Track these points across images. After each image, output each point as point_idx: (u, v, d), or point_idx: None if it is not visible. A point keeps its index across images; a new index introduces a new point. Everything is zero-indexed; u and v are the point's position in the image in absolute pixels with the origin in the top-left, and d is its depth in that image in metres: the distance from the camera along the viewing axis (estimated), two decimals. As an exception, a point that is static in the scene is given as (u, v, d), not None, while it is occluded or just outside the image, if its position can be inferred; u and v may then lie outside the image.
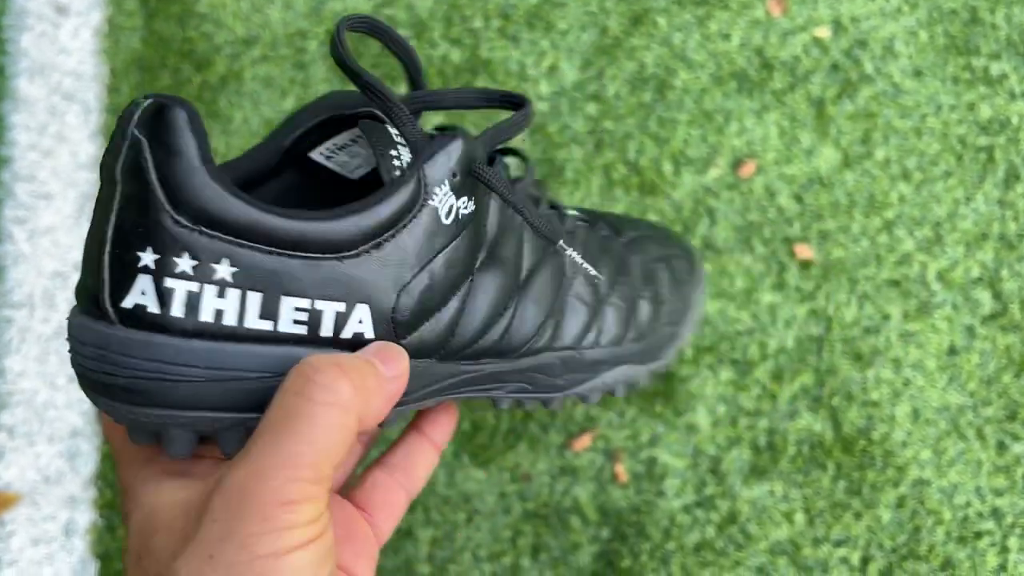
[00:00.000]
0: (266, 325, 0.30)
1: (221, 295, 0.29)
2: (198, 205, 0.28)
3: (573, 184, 1.00)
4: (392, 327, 0.34)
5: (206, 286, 0.29)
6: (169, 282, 0.29)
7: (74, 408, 0.97)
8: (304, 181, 0.39)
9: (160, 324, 0.29)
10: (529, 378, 0.43)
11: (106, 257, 0.29)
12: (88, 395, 0.31)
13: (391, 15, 1.06)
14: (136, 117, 0.29)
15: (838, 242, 0.97)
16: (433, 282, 0.35)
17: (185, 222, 0.28)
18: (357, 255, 0.31)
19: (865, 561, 0.90)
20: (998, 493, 0.91)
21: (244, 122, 1.04)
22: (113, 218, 0.29)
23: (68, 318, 0.31)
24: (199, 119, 0.29)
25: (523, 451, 0.93)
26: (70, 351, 0.31)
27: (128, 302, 0.29)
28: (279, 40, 1.06)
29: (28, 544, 0.94)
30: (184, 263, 0.28)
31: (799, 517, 0.91)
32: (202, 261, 0.29)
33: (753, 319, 0.96)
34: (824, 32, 1.04)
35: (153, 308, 0.29)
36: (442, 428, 0.44)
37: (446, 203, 0.34)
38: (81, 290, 0.31)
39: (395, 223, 0.32)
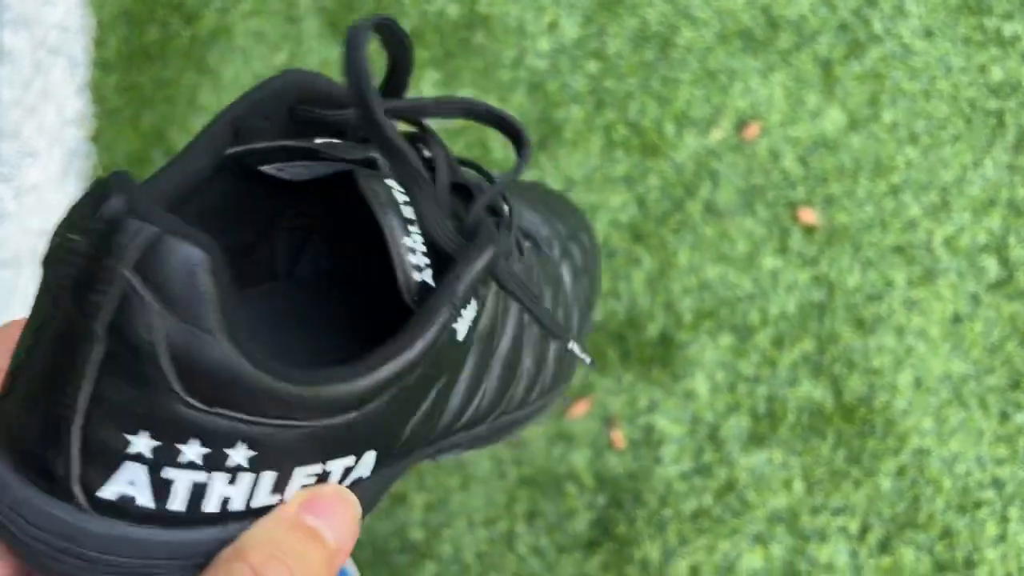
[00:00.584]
0: (274, 499, 0.25)
1: (232, 482, 0.23)
2: (219, 384, 0.22)
3: (572, 145, 0.97)
4: (397, 455, 0.29)
5: (215, 475, 0.23)
6: (170, 472, 0.22)
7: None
8: (230, 184, 0.31)
9: (153, 517, 0.23)
10: (494, 436, 0.38)
11: (74, 431, 0.22)
12: None
13: (386, -32, 1.02)
14: (126, 247, 0.20)
15: (842, 207, 0.95)
16: (437, 401, 0.29)
17: (198, 404, 0.22)
18: (376, 405, 0.25)
19: (864, 530, 0.89)
20: (999, 463, 0.90)
21: (235, 78, 1.01)
22: (88, 385, 0.21)
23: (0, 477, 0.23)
24: (218, 254, 0.21)
25: (519, 416, 0.92)
26: (5, 522, 0.23)
27: (109, 492, 0.22)
28: (271, -7, 1.03)
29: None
30: (191, 451, 0.22)
31: (798, 485, 0.90)
32: (215, 448, 0.22)
33: (754, 284, 0.94)
34: (833, -10, 1.01)
35: (145, 502, 0.23)
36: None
37: (464, 320, 0.27)
38: (21, 452, 0.23)
39: (419, 362, 0.26)
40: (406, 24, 1.01)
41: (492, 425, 0.37)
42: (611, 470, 0.90)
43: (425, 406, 0.28)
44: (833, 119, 0.97)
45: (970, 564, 0.88)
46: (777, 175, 0.96)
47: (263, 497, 0.25)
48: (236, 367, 0.21)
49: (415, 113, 0.29)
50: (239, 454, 0.23)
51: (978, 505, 0.89)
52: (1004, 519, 0.89)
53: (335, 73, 0.29)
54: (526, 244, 0.38)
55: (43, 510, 0.22)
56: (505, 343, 0.33)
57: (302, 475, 0.25)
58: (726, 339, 0.93)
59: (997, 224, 0.94)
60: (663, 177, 0.96)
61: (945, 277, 0.93)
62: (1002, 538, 0.89)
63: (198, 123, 1.00)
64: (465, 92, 0.99)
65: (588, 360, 0.36)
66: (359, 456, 0.26)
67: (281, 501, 0.25)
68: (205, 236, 0.21)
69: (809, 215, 0.95)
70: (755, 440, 0.91)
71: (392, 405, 0.26)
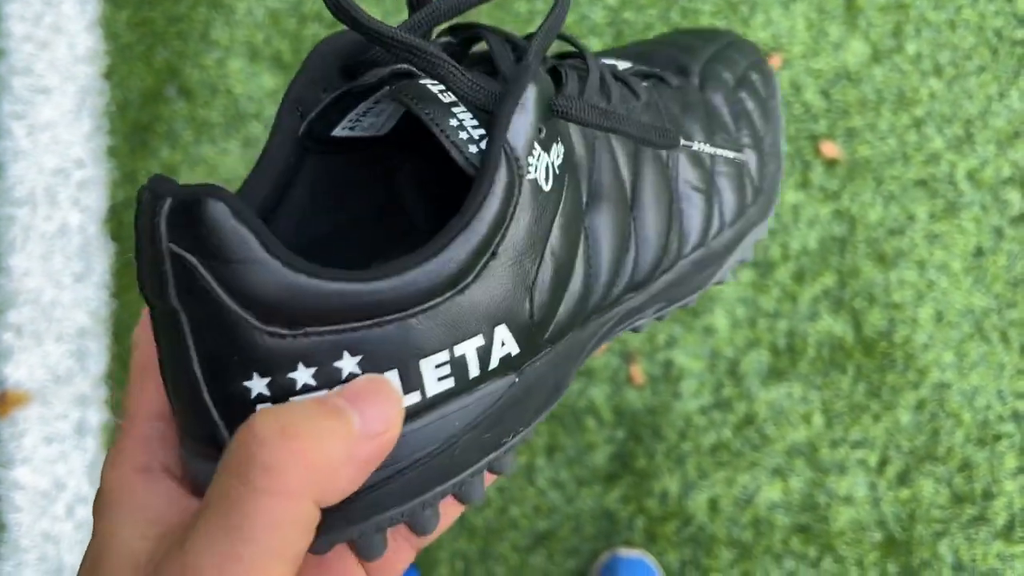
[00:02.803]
0: (414, 398, 0.26)
1: None
2: (290, 309, 0.23)
3: (591, 79, 0.96)
4: (534, 331, 0.28)
5: (336, 389, 0.24)
6: (295, 401, 0.24)
7: (81, 307, 0.95)
8: (327, 162, 0.32)
9: None
10: (666, 296, 0.37)
11: (206, 397, 0.24)
12: None
13: (400, -101, 1.00)
14: (163, 229, 0.22)
15: (865, 140, 0.94)
16: (557, 263, 0.29)
17: (283, 331, 0.23)
18: (476, 277, 0.25)
19: (883, 462, 0.89)
20: (1020, 396, 0.90)
21: (248, 13, 0.99)
22: (193, 352, 0.23)
23: (187, 462, 0.26)
24: (239, 203, 0.22)
25: (538, 352, 0.92)
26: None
27: None
28: (282, -74, 1.01)
29: (40, 442, 0.93)
30: (302, 375, 0.23)
31: (817, 419, 0.90)
32: (321, 366, 0.23)
33: (775, 219, 0.93)
34: (857, -82, 0.98)
35: None
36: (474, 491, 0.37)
37: (541, 166, 0.27)
38: (190, 434, 0.26)
39: (501, 222, 0.26)
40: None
41: (683, 269, 0.36)
42: (630, 405, 0.90)
43: (542, 271, 0.28)
44: (856, 51, 0.95)
45: (988, 496, 0.88)
46: (799, 108, 0.94)
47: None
48: (294, 283, 0.22)
49: (448, 11, 0.29)
50: (347, 362, 0.24)
51: (997, 438, 0.89)
52: (1023, 452, 0.89)
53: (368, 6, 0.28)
54: (643, 84, 0.37)
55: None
56: (628, 188, 0.33)
57: (430, 366, 0.25)
58: (747, 275, 0.92)
59: (1022, 156, 0.93)
60: (683, 111, 0.95)
61: (968, 211, 0.92)
62: (1021, 470, 0.89)
63: (211, 58, 0.99)
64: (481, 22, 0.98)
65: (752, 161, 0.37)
66: (487, 334, 0.26)
67: (423, 396, 0.26)
68: (217, 188, 0.22)
69: (831, 149, 0.94)
70: (775, 375, 0.91)
71: (495, 278, 0.26)
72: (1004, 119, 0.94)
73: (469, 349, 0.26)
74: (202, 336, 0.23)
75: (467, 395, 0.27)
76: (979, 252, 0.92)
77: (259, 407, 0.23)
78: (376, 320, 0.24)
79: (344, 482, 0.24)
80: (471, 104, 0.27)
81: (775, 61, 0.95)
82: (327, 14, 0.99)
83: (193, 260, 0.22)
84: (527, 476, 0.89)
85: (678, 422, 0.90)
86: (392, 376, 0.25)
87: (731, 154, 0.37)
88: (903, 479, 0.89)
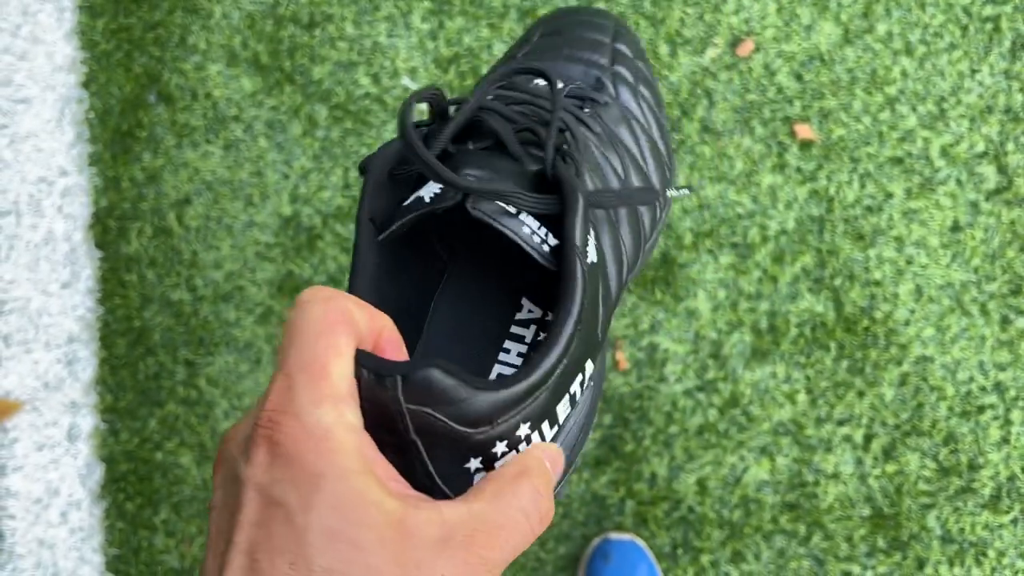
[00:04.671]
0: (554, 430, 0.36)
1: (528, 441, 0.34)
2: (490, 415, 0.32)
3: (566, 69, 0.97)
4: (599, 351, 0.38)
5: (520, 446, 0.33)
6: (498, 464, 0.33)
7: (69, 314, 0.96)
8: (388, 246, 0.41)
9: None
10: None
11: (438, 482, 0.33)
12: None
13: (371, -101, 1.01)
14: (402, 395, 0.30)
15: (839, 120, 0.95)
16: (606, 298, 0.38)
17: (486, 430, 0.32)
18: (572, 342, 0.34)
19: (868, 438, 0.90)
20: (1001, 368, 0.90)
21: (225, 16, 1.00)
22: (428, 462, 0.32)
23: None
24: (449, 367, 0.31)
25: (523, 342, 0.93)
26: None
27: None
28: (256, -70, 1.02)
29: (32, 450, 0.94)
30: (500, 448, 0.33)
31: (801, 397, 0.91)
32: (510, 439, 0.33)
33: (753, 202, 0.94)
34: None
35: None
36: None
37: (591, 248, 0.36)
38: None
39: (583, 300, 0.35)
40: (394, -45, 1.00)
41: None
42: (616, 390, 0.91)
43: (602, 313, 0.37)
44: (827, 32, 0.96)
45: (974, 467, 0.89)
46: (773, 91, 0.95)
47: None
48: (489, 399, 0.32)
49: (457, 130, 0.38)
50: (523, 430, 0.33)
51: (981, 410, 0.90)
52: (1007, 422, 0.90)
53: None
54: (584, 111, 0.45)
55: None
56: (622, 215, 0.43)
57: (563, 407, 0.35)
58: (727, 257, 0.93)
59: (995, 131, 0.94)
60: (658, 98, 0.96)
61: (944, 186, 0.93)
62: (1005, 440, 0.89)
63: (190, 63, 1.00)
64: (456, 21, 0.98)
65: (689, 191, 0.49)
66: (583, 371, 0.36)
67: (558, 429, 0.36)
68: (433, 360, 0.31)
69: (806, 130, 0.94)
70: (758, 355, 0.91)
71: (580, 334, 0.35)
72: (976, 95, 0.95)
73: (575, 386, 0.36)
74: (434, 451, 0.32)
75: (576, 409, 0.37)
76: (956, 227, 0.93)
77: (475, 477, 0.33)
78: (533, 396, 0.33)
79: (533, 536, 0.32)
80: (534, 213, 0.36)
81: (748, 46, 0.96)
82: (303, 15, 0.99)
83: (426, 411, 0.31)
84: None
85: (664, 405, 0.91)
86: (546, 426, 0.35)
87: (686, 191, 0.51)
88: (889, 454, 0.90)
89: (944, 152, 0.94)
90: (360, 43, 0.99)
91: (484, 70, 0.97)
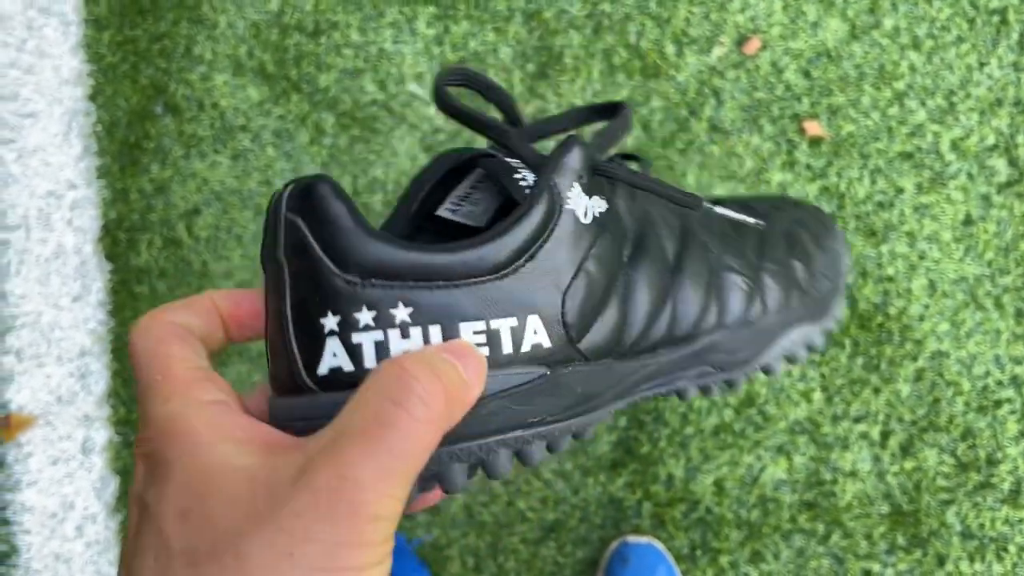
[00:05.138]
0: None
1: (405, 335, 0.30)
2: (364, 262, 0.30)
3: (573, 72, 0.96)
4: (565, 331, 0.35)
5: (389, 331, 0.30)
6: (356, 337, 0.30)
7: (80, 328, 0.96)
8: (438, 240, 0.41)
9: (359, 379, 0.29)
10: (709, 360, 0.44)
11: (291, 335, 0.31)
12: None
13: (374, -95, 1.01)
14: (284, 202, 0.31)
15: (848, 117, 0.94)
16: (591, 282, 0.36)
17: (355, 279, 0.30)
18: (515, 270, 0.33)
19: (885, 435, 0.90)
20: (1017, 361, 0.90)
21: (230, 26, 1.00)
22: (288, 297, 0.31)
23: (269, 407, 0.33)
24: (341, 189, 0.31)
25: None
26: (282, 427, 0.31)
27: (323, 368, 0.31)
28: (259, -61, 1.02)
29: (47, 464, 0.94)
30: (364, 316, 0.30)
31: (817, 396, 0.90)
32: (380, 310, 0.30)
33: (764, 200, 0.93)
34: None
35: (348, 367, 0.30)
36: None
37: (581, 204, 0.35)
38: (274, 376, 0.33)
39: (540, 233, 0.34)
40: (397, -39, 1.00)
41: (724, 336, 0.44)
42: (631, 392, 0.91)
43: (576, 284, 0.35)
44: (834, 29, 0.96)
45: (992, 462, 0.89)
46: (781, 89, 0.95)
47: None
48: (368, 245, 0.30)
49: (546, 129, 0.41)
50: (401, 312, 0.30)
51: (998, 404, 0.89)
52: (1024, 416, 0.89)
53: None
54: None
55: (292, 405, 0.31)
56: (671, 256, 0.42)
57: (469, 330, 0.32)
58: (738, 256, 0.93)
59: (1005, 124, 0.93)
60: (666, 99, 0.96)
61: (955, 180, 0.93)
62: (1023, 434, 0.89)
63: (196, 74, 1.00)
64: (461, 25, 0.98)
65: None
66: (521, 319, 0.33)
67: None
68: (329, 179, 0.31)
69: (815, 127, 0.94)
70: (772, 354, 0.91)
71: (532, 276, 0.33)
72: (985, 88, 0.94)
73: (503, 327, 0.33)
74: (297, 284, 0.30)
75: (499, 369, 0.33)
76: (968, 221, 0.92)
77: (327, 341, 0.30)
78: (427, 283, 0.31)
79: (455, 422, 0.29)
80: (532, 167, 0.38)
81: (754, 44, 0.96)
82: (307, 23, 0.99)
83: (299, 221, 0.30)
84: (533, 468, 0.90)
85: (679, 407, 0.91)
86: (435, 330, 0.31)
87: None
88: (906, 450, 0.89)
89: (954, 146, 0.93)
90: (366, 50, 0.98)
91: (491, 74, 0.97)
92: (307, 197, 0.30)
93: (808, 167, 0.94)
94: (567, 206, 0.35)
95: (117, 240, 0.97)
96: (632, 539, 0.87)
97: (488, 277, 0.32)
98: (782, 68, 0.95)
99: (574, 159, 0.36)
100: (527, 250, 0.33)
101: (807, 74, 0.95)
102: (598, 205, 0.37)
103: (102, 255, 0.97)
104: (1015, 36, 0.95)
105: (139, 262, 0.97)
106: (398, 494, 0.27)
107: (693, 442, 0.90)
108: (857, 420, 0.90)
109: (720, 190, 0.94)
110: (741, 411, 0.90)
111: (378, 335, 0.30)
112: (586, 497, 0.90)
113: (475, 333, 0.32)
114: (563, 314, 0.34)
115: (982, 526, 0.88)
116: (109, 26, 1.01)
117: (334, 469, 0.26)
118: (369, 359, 0.30)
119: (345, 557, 0.25)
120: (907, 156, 0.93)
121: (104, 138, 0.99)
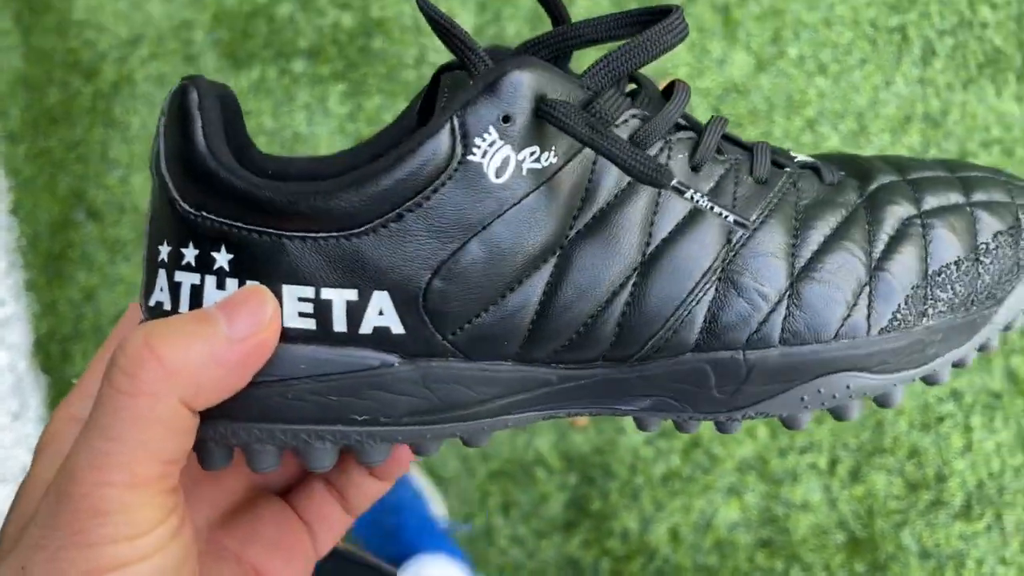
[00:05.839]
0: None
1: (220, 286, 0.26)
2: (198, 187, 0.26)
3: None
4: (428, 318, 0.28)
5: (207, 277, 0.26)
6: (178, 275, 0.27)
7: (22, 445, 0.95)
8: None
9: None
10: (675, 391, 0.31)
11: (145, 259, 0.28)
12: None
13: (274, -10, 1.02)
14: (164, 106, 0.27)
15: (763, 149, 0.95)
16: (490, 257, 0.27)
17: (189, 208, 0.26)
18: (370, 230, 0.26)
19: (833, 463, 0.90)
20: (956, 374, 0.90)
21: (143, 127, 1.00)
22: (150, 217, 0.28)
23: None
24: (221, 95, 0.27)
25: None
26: None
27: (153, 299, 0.27)
28: (164, 35, 1.02)
29: (2, 586, 0.93)
30: (189, 253, 0.26)
31: (761, 431, 0.90)
32: (203, 249, 0.26)
33: (688, 241, 0.94)
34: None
35: (167, 305, 0.27)
36: (395, 465, 0.35)
37: (496, 156, 0.27)
38: (142, 307, 0.29)
39: (420, 188, 0.26)
40: (303, 42, 1.00)
41: (694, 365, 0.31)
42: (577, 448, 0.91)
43: (461, 259, 0.27)
44: (740, 63, 0.97)
45: (941, 478, 0.89)
46: (693, 129, 0.96)
47: None
48: (205, 165, 0.26)
49: (575, 38, 0.30)
50: (221, 256, 0.26)
51: (940, 420, 0.90)
52: (967, 429, 0.90)
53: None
54: (784, 170, 0.33)
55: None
56: (651, 246, 0.30)
57: (293, 296, 0.26)
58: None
59: (917, 140, 0.94)
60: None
61: (874, 201, 0.94)
62: (968, 448, 0.89)
63: (114, 177, 1.00)
64: (374, 100, 0.99)
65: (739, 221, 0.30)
66: (363, 293, 0.27)
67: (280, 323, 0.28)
68: (204, 81, 0.27)
69: (731, 163, 0.95)
70: (713, 394, 0.91)
71: (392, 242, 0.26)
72: (894, 106, 0.95)
73: (337, 299, 0.27)
74: (154, 201, 0.27)
75: (327, 347, 0.27)
76: (892, 240, 0.93)
77: (158, 271, 0.27)
78: (257, 227, 0.26)
79: (211, 383, 0.25)
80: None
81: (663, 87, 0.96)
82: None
83: (160, 130, 0.27)
84: (487, 537, 0.90)
85: (627, 457, 0.91)
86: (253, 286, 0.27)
87: (730, 216, 0.29)
88: (855, 476, 0.89)
89: (870, 167, 0.94)
90: (280, 135, 0.99)
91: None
92: (175, 103, 0.27)
93: (728, 204, 0.94)
94: (471, 157, 0.26)
95: (51, 353, 0.97)
96: (593, 597, 0.87)
97: (331, 232, 0.26)
98: (692, 107, 0.96)
99: (502, 93, 0.26)
100: (393, 208, 0.26)
101: (718, 111, 0.96)
102: (535, 159, 0.27)
103: (38, 369, 0.97)
104: (917, 51, 0.96)
105: (75, 372, 0.97)
106: (122, 480, 0.24)
107: (644, 492, 0.90)
108: (803, 451, 0.90)
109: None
110: (688, 455, 0.90)
111: (195, 278, 0.27)
112: (543, 560, 0.90)
113: (300, 299, 0.26)
114: (425, 296, 0.27)
115: (938, 544, 0.88)
116: (23, 139, 1.01)
117: (64, 466, 0.24)
118: (184, 303, 0.27)
119: (71, 562, 0.23)
120: (825, 182, 0.94)
121: (28, 251, 0.99)
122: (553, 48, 0.30)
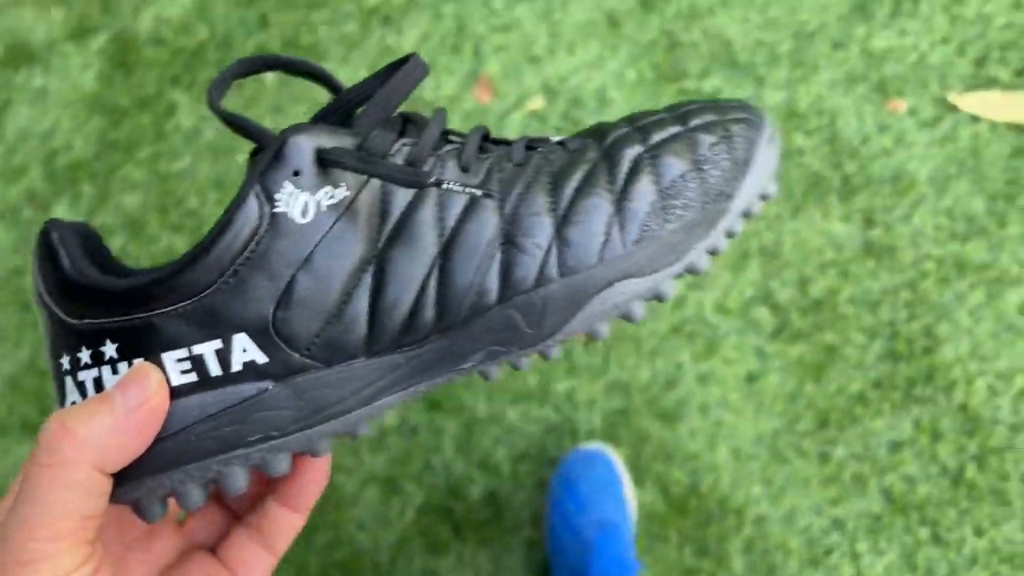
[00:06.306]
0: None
1: (115, 371, 0.31)
2: (75, 302, 0.31)
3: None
4: (282, 343, 0.33)
5: (102, 368, 0.32)
6: (80, 375, 0.32)
7: None
8: None
9: None
10: (497, 339, 0.38)
11: (52, 371, 0.33)
12: None
13: (102, 222, 1.00)
14: (33, 249, 0.33)
15: (612, 308, 0.96)
16: (318, 282, 0.34)
17: (73, 320, 0.31)
18: (216, 289, 0.32)
19: (732, 616, 0.89)
20: (833, 503, 0.91)
21: (-18, 387, 0.97)
22: (46, 339, 0.33)
23: None
24: (78, 230, 0.32)
25: (371, 629, 0.89)
26: None
27: (67, 402, 0.32)
28: (-6, 286, 0.99)
29: None
30: (84, 355, 0.32)
31: (657, 596, 0.90)
32: (94, 348, 0.31)
33: (555, 411, 0.94)
34: (538, 103, 1.02)
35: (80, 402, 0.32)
36: (305, 494, 0.40)
37: (297, 203, 0.33)
38: None
39: (245, 245, 0.32)
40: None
41: (501, 315, 0.37)
42: (476, 650, 0.89)
43: (295, 291, 0.33)
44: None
45: (839, 613, 0.89)
46: (541, 300, 0.96)
47: None
48: (75, 281, 0.31)
49: (349, 102, 0.37)
50: (108, 348, 0.32)
51: (828, 552, 0.90)
52: (855, 556, 0.90)
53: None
54: (536, 151, 0.41)
55: None
56: (443, 238, 0.37)
57: (172, 360, 0.32)
58: (547, 474, 0.92)
59: (757, 275, 0.96)
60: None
61: (726, 340, 0.95)
62: (859, 574, 0.90)
63: (-42, 445, 0.95)
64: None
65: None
66: (226, 339, 0.32)
67: (169, 384, 0.33)
68: (59, 223, 0.33)
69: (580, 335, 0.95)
70: (604, 567, 0.90)
71: (235, 291, 0.32)
72: (730, 243, 0.97)
73: (207, 351, 0.32)
74: (45, 327, 0.33)
75: (211, 391, 0.33)
76: (751, 378, 0.94)
77: (65, 380, 0.32)
78: (127, 317, 0.31)
79: (117, 450, 0.31)
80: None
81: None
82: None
83: (36, 269, 0.32)
84: None
85: (530, 648, 0.89)
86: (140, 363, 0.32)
87: (478, 192, 0.38)
88: (756, 626, 0.89)
89: (717, 308, 0.96)
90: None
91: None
92: (40, 244, 0.32)
93: (587, 369, 0.94)
94: (277, 209, 0.33)
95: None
96: (580, 447, 0.84)
97: (187, 300, 0.31)
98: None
99: (287, 155, 0.33)
100: (231, 265, 0.32)
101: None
102: (330, 196, 0.34)
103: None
104: (741, 189, 0.98)
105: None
106: (46, 535, 0.29)
107: None
108: (702, 609, 0.89)
109: (512, 414, 0.94)
110: None
111: (94, 372, 0.32)
112: None
113: (178, 360, 0.32)
114: (274, 326, 0.33)
115: None
116: None
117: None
118: (91, 395, 0.32)
119: None
120: (677, 330, 0.95)
121: None
122: (338, 113, 0.37)
